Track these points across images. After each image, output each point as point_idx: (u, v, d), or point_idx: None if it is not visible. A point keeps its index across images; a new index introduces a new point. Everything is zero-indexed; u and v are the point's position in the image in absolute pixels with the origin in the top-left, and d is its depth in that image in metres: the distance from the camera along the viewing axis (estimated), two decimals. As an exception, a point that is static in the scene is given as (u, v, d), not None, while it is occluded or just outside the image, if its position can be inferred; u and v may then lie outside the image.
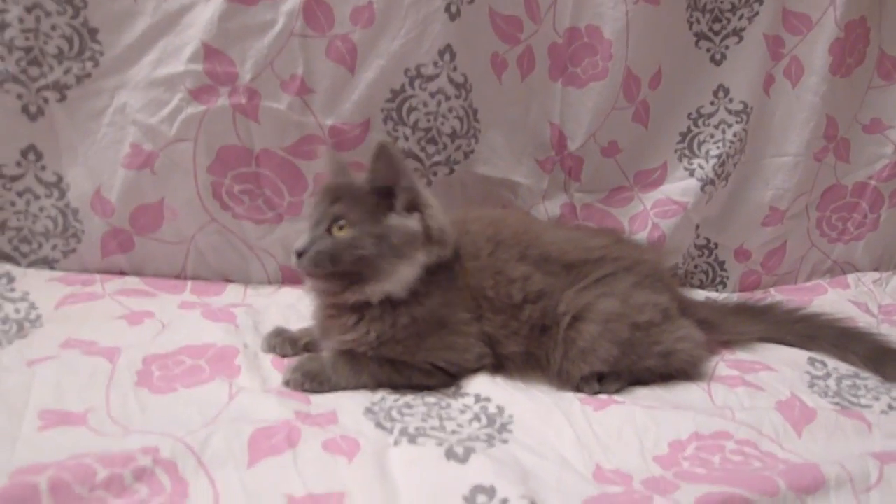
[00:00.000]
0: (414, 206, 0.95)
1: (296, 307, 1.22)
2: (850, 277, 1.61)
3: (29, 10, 1.16)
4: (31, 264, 1.27)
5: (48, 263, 1.27)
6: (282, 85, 1.22)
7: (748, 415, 0.94)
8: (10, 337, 1.04)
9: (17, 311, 1.12)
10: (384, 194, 0.94)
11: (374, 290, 0.93)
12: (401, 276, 0.93)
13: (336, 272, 0.93)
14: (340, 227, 0.93)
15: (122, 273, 1.29)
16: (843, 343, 1.18)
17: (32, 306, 1.14)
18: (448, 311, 0.96)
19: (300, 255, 0.93)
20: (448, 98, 1.28)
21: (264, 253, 1.32)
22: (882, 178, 1.58)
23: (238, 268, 1.32)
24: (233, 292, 1.28)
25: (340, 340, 0.96)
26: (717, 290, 1.57)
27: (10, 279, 1.21)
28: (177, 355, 1.00)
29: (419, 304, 0.94)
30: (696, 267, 1.57)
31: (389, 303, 0.94)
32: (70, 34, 1.18)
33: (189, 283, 1.28)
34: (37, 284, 1.20)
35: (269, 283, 1.34)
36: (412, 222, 0.94)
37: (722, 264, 1.57)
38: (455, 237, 0.98)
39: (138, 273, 1.29)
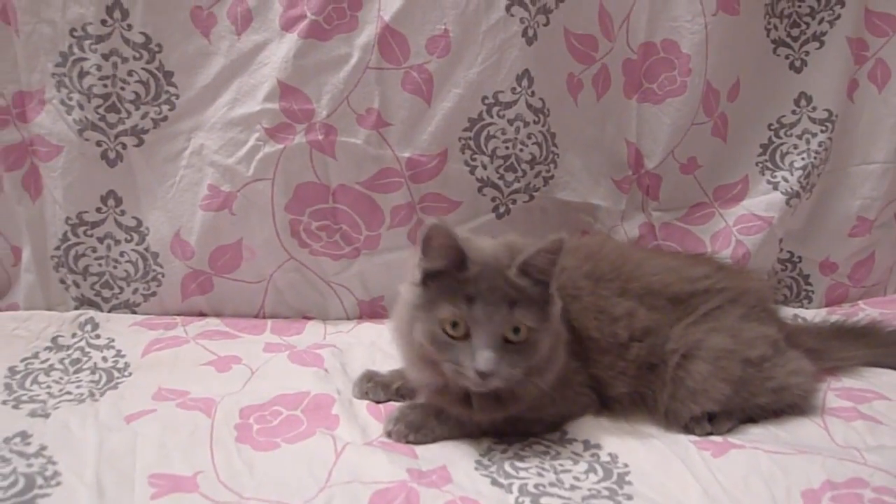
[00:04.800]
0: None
1: (378, 344, 1.20)
2: (944, 287, 1.53)
3: (106, 57, 1.16)
4: (112, 309, 1.27)
5: (129, 307, 1.28)
6: (358, 119, 1.20)
7: (878, 456, 0.88)
8: (102, 388, 1.03)
9: (105, 359, 1.13)
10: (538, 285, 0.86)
11: (541, 383, 0.87)
12: (561, 360, 0.88)
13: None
14: (516, 331, 0.83)
15: (202, 314, 1.29)
16: (957, 365, 1.12)
17: (119, 353, 1.14)
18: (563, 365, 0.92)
19: (486, 375, 0.81)
20: (526, 124, 1.25)
21: (342, 288, 1.30)
22: (975, 182, 1.50)
23: (316, 304, 1.31)
24: (313, 330, 1.27)
25: (469, 416, 0.91)
26: (802, 306, 1.50)
27: (95, 325, 1.22)
28: (272, 405, 0.98)
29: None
30: (779, 282, 1.50)
31: None
32: (146, 79, 1.19)
33: (269, 322, 1.28)
34: (120, 330, 1.21)
35: (348, 318, 1.32)
36: (559, 304, 0.87)
37: (806, 278, 1.51)
38: None
39: (217, 313, 1.29)
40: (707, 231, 1.42)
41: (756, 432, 0.96)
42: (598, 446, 0.91)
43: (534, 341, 0.84)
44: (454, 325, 0.83)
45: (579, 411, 0.96)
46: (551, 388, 0.90)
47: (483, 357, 0.81)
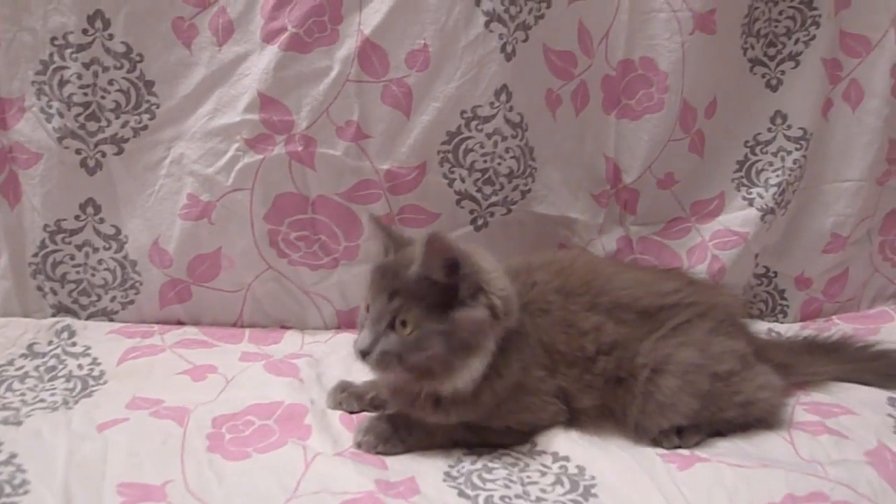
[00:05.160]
0: (477, 288, 0.88)
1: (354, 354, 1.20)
2: (917, 303, 1.56)
3: (87, 65, 1.17)
4: (90, 316, 1.27)
5: (107, 315, 1.28)
6: (337, 131, 1.21)
7: (840, 471, 0.90)
8: (76, 396, 1.03)
9: (80, 367, 1.13)
10: (444, 284, 0.87)
11: (444, 386, 0.88)
12: (472, 372, 0.87)
13: (402, 369, 0.87)
14: (403, 324, 0.86)
15: (180, 322, 1.29)
16: (924, 382, 1.13)
17: (95, 361, 1.14)
18: (525, 373, 0.93)
19: (364, 353, 0.87)
20: (504, 138, 1.26)
21: (320, 298, 1.31)
22: (947, 200, 1.53)
23: (294, 314, 1.31)
24: (291, 340, 1.27)
25: (417, 417, 0.93)
26: (777, 320, 1.52)
27: (72, 333, 1.22)
28: (245, 415, 0.99)
29: (499, 376, 0.90)
30: (755, 296, 1.52)
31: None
32: (127, 88, 1.19)
33: (247, 332, 1.28)
34: (97, 337, 1.21)
35: (326, 328, 1.33)
36: (478, 311, 0.87)
37: (782, 293, 1.53)
38: (518, 300, 0.93)
39: (196, 322, 1.29)
40: (683, 245, 1.44)
41: (723, 446, 0.97)
42: (566, 458, 0.92)
43: (419, 339, 0.86)
44: (367, 309, 0.90)
45: (547, 420, 0.97)
46: (511, 396, 0.92)
47: (361, 336, 0.88)
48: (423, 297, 0.86)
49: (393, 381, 0.94)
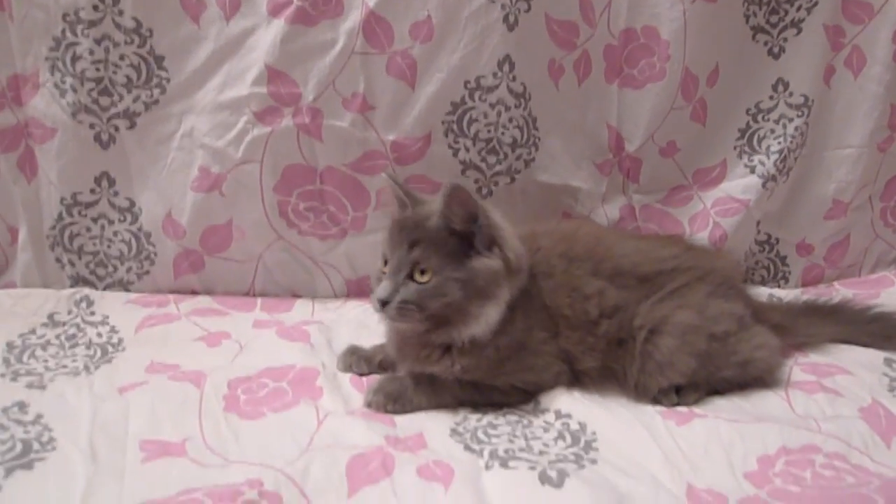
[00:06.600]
0: (492, 241, 0.93)
1: (363, 321, 1.23)
2: (918, 268, 1.57)
3: (98, 41, 1.19)
4: (107, 287, 1.32)
5: (123, 286, 1.32)
6: (344, 103, 1.23)
7: (833, 425, 0.93)
8: (97, 362, 1.07)
9: (100, 335, 1.16)
10: (462, 234, 0.92)
11: (462, 334, 0.92)
12: (488, 318, 0.92)
13: (421, 317, 0.92)
14: (422, 273, 0.91)
15: (194, 292, 1.33)
16: (920, 342, 1.16)
17: (113, 330, 1.18)
18: (528, 333, 0.97)
19: (384, 303, 0.90)
20: (508, 108, 1.28)
21: (330, 267, 1.34)
22: (947, 166, 1.54)
23: (305, 283, 1.35)
24: (301, 308, 1.31)
25: (423, 368, 0.97)
26: (779, 286, 1.55)
27: (90, 303, 1.25)
28: (259, 378, 1.02)
29: (503, 332, 0.94)
30: (756, 263, 1.55)
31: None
32: (138, 63, 1.22)
33: (259, 300, 1.32)
34: (115, 307, 1.25)
35: (335, 296, 1.36)
36: (494, 261, 0.92)
37: (784, 259, 1.55)
38: (527, 257, 0.97)
39: (209, 291, 1.33)
40: (686, 213, 1.46)
41: (720, 403, 1.00)
42: (568, 416, 0.95)
43: (438, 286, 0.90)
44: (385, 262, 0.93)
45: (550, 380, 1.00)
46: (513, 355, 0.95)
47: (381, 286, 0.90)
48: (442, 246, 0.91)
49: (405, 333, 0.97)
